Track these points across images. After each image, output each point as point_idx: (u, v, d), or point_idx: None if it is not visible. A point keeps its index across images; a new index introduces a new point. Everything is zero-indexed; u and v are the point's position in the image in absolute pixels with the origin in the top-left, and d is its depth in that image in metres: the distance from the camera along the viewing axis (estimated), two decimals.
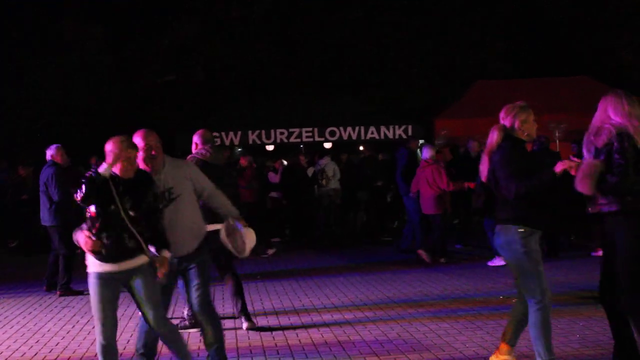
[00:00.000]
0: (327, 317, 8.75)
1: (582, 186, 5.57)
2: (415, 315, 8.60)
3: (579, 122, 16.00)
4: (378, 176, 17.38)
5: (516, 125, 5.95)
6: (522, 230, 5.80)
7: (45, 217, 11.26)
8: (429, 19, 25.95)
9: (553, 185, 5.65)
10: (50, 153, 11.47)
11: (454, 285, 10.58)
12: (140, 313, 5.76)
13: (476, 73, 24.18)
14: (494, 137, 5.98)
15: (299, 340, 7.66)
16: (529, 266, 5.83)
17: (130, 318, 9.03)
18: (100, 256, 5.51)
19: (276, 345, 7.53)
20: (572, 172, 5.59)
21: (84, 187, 5.38)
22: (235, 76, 26.18)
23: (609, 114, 5.73)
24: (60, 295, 10.99)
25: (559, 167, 5.61)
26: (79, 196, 5.41)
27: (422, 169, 13.04)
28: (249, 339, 7.84)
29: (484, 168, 6.07)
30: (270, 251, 14.97)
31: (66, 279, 11.17)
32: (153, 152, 5.98)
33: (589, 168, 5.56)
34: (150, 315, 5.67)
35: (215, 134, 17.39)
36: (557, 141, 16.14)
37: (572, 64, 24.79)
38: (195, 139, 8.10)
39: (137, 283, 5.63)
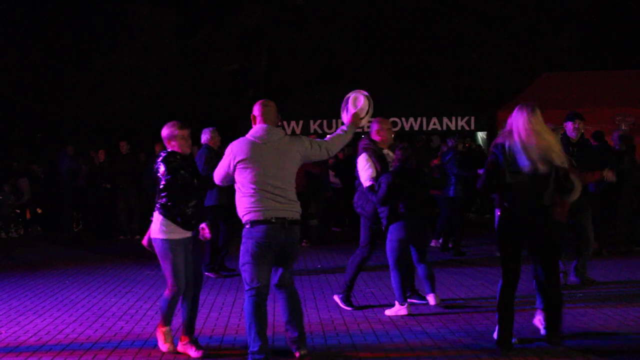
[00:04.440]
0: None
1: None
2: (478, 309, 8.55)
3: None
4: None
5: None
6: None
7: (209, 196, 11.33)
8: (498, 6, 25.47)
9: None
10: (205, 137, 11.47)
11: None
12: None
13: (545, 63, 23.72)
14: None
15: (360, 330, 7.68)
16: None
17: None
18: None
19: (335, 326, 7.58)
20: None
21: None
22: (299, 64, 26.20)
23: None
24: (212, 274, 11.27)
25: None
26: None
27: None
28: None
29: None
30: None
31: (222, 258, 11.45)
32: None
33: None
34: None
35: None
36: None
37: None
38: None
39: None
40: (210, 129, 11.48)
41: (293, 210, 6.43)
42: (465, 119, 17.97)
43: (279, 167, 6.42)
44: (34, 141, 24.69)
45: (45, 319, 8.66)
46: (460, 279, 10.71)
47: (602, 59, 24.46)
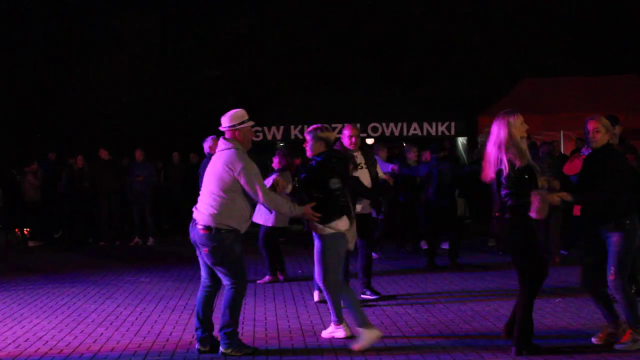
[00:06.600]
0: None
1: None
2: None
3: (633, 121, 15.62)
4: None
5: None
6: None
7: None
8: (486, 10, 25.45)
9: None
10: (207, 145, 11.12)
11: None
12: None
13: (527, 67, 23.75)
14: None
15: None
16: None
17: (174, 309, 9.09)
18: None
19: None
20: None
21: None
22: (278, 71, 26.18)
23: None
24: None
25: None
26: None
27: None
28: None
29: None
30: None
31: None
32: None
33: None
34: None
35: (257, 128, 17.46)
36: None
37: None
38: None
39: None
40: (212, 137, 10.94)
41: (204, 213, 6.95)
42: (446, 124, 17.98)
43: (210, 174, 7.14)
44: (18, 147, 24.47)
45: (24, 326, 8.60)
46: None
47: (587, 64, 24.40)
